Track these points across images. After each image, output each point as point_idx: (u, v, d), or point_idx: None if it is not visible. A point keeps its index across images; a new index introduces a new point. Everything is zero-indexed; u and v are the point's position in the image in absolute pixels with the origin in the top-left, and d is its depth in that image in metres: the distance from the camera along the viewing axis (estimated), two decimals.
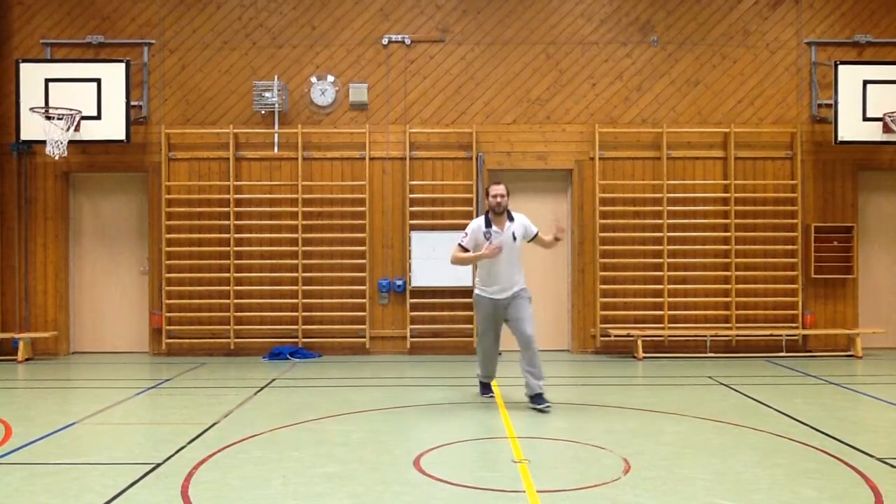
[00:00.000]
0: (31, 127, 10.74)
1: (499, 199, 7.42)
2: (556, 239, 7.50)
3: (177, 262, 11.47)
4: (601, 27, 11.68)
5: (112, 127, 10.92)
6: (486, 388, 8.02)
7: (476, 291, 7.64)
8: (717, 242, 11.52)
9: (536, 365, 7.31)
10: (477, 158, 11.45)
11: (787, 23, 11.69)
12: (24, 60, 11.07)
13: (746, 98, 11.66)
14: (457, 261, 7.60)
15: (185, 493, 4.88)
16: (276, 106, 11.34)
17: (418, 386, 9.32)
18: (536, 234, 7.64)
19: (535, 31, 11.67)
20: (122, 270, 11.87)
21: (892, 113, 10.86)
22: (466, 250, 7.48)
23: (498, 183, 7.58)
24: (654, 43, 11.65)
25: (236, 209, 11.45)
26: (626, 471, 5.33)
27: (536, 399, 7.33)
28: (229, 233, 11.42)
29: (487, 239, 7.36)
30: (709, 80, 11.66)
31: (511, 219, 7.50)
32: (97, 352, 11.81)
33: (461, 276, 10.97)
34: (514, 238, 7.42)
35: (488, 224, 7.44)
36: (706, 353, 11.25)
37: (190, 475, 5.27)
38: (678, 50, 11.67)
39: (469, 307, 10.85)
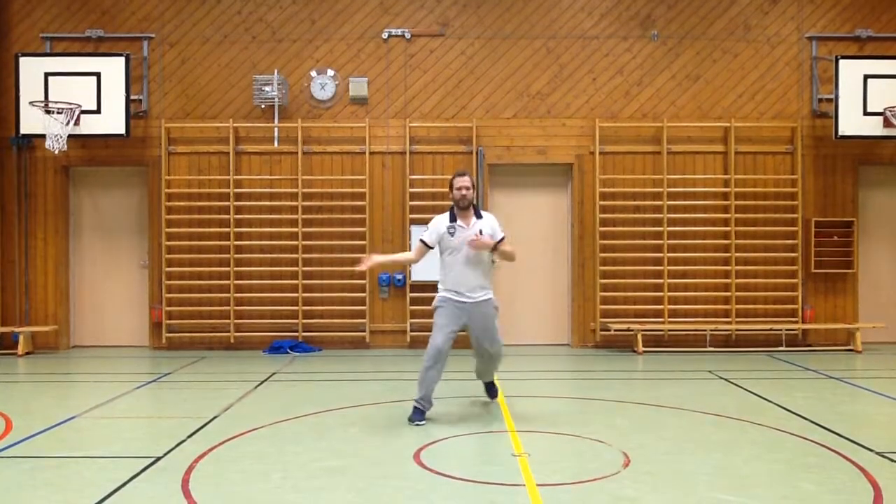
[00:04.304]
0: (31, 121, 10.72)
1: (463, 192, 6.68)
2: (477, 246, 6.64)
3: (177, 256, 11.46)
4: (601, 21, 11.66)
5: (112, 121, 10.91)
6: (419, 414, 6.72)
7: (437, 295, 6.86)
8: (717, 237, 11.52)
9: (491, 371, 7.16)
10: (477, 153, 11.43)
11: (788, 17, 11.66)
12: (24, 54, 11.05)
13: (747, 93, 11.64)
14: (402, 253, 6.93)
15: (185, 487, 4.89)
16: (276, 100, 11.32)
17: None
18: (502, 240, 6.76)
19: (535, 25, 11.65)
20: (122, 264, 11.87)
21: (893, 108, 10.84)
22: (430, 247, 6.83)
23: (462, 174, 6.79)
24: (654, 37, 11.63)
25: (236, 203, 11.44)
26: (626, 465, 5.34)
27: (489, 387, 7.30)
28: (229, 227, 11.41)
29: (451, 234, 6.67)
30: (709, 75, 11.64)
31: (479, 216, 6.79)
32: (97, 346, 11.81)
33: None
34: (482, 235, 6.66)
35: (453, 219, 6.76)
36: (706, 347, 11.25)
37: (190, 469, 5.28)
38: (679, 44, 11.65)
39: None
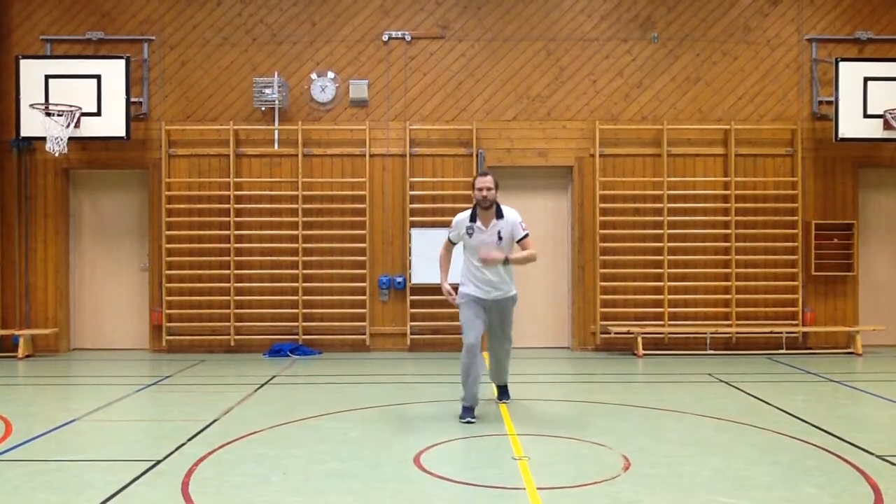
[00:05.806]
0: (32, 123, 10.73)
1: (485, 193, 6.69)
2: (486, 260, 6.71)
3: (177, 258, 11.46)
4: (602, 23, 11.66)
5: (112, 123, 10.91)
6: (466, 412, 6.80)
7: (460, 289, 6.95)
8: (717, 240, 11.51)
9: (504, 368, 7.39)
10: (477, 155, 11.43)
11: (788, 19, 11.66)
12: (25, 57, 11.06)
13: (747, 95, 11.64)
14: (440, 260, 7.10)
15: (185, 490, 4.89)
16: (277, 102, 11.32)
17: (418, 383, 9.33)
18: (521, 240, 6.81)
19: (535, 27, 11.65)
20: (122, 267, 11.86)
21: (893, 110, 10.84)
22: (454, 243, 7.02)
23: (485, 174, 6.79)
24: (654, 39, 11.63)
25: (236, 206, 11.44)
26: (626, 468, 5.33)
27: (502, 391, 7.53)
28: (229, 229, 11.41)
29: (469, 234, 6.75)
30: (709, 77, 11.64)
31: (500, 216, 6.79)
32: (97, 348, 11.80)
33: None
34: (500, 237, 6.73)
35: (473, 218, 6.80)
36: (706, 350, 11.24)
37: (190, 472, 5.28)
38: (679, 46, 11.66)
39: None
